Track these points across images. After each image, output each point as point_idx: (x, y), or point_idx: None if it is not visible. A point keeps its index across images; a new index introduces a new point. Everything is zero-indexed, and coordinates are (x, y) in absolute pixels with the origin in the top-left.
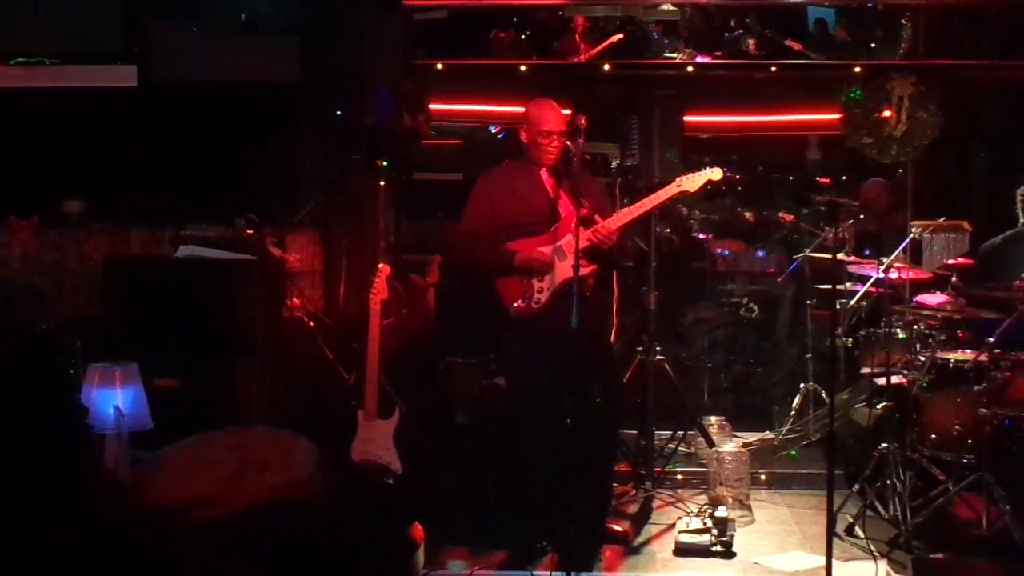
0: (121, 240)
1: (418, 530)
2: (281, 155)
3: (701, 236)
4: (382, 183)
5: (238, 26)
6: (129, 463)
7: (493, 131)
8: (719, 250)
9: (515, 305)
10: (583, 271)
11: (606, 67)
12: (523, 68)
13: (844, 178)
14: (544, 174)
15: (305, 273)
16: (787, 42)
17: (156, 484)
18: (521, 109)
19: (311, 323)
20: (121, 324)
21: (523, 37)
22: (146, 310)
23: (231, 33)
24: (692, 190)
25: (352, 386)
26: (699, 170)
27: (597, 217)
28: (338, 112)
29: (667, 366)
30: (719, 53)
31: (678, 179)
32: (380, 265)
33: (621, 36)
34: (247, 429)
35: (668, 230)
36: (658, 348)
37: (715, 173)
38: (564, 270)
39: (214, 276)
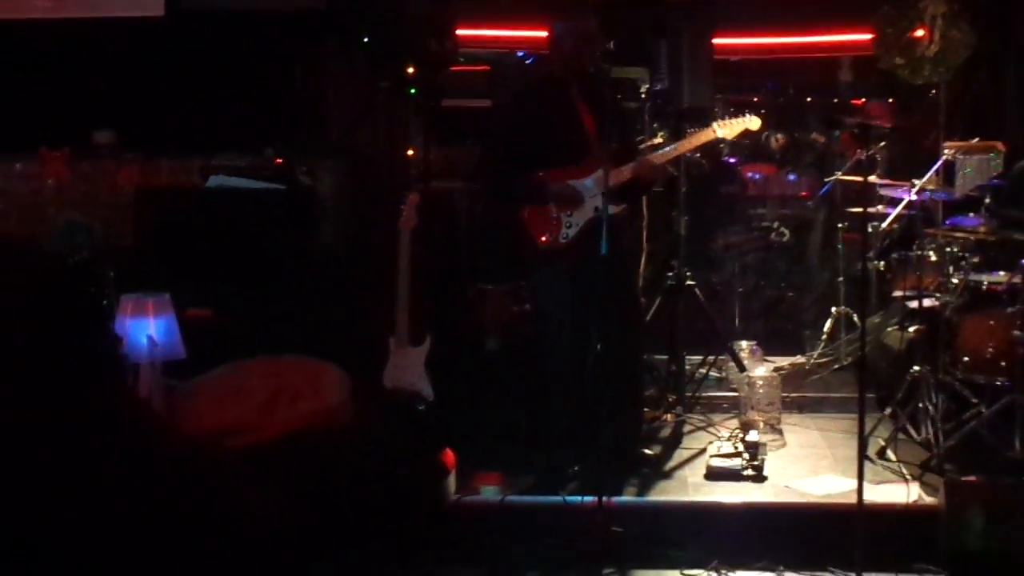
0: (152, 170)
1: (449, 456)
2: (309, 83)
3: (731, 160)
4: (410, 110)
5: None
6: (163, 392)
7: (521, 56)
8: (750, 174)
9: (542, 239)
10: (615, 209)
11: None
12: None
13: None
14: (578, 100)
15: (336, 200)
16: None
17: (189, 412)
18: (543, 34)
19: (343, 249)
20: (153, 255)
21: None
22: (177, 241)
23: None
24: (729, 137)
25: (384, 313)
26: (738, 116)
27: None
28: (365, 39)
29: (697, 291)
30: None
31: (715, 124)
32: (410, 193)
33: None
34: (279, 358)
35: (698, 154)
36: (688, 273)
37: (753, 122)
38: (600, 204)
39: (244, 206)
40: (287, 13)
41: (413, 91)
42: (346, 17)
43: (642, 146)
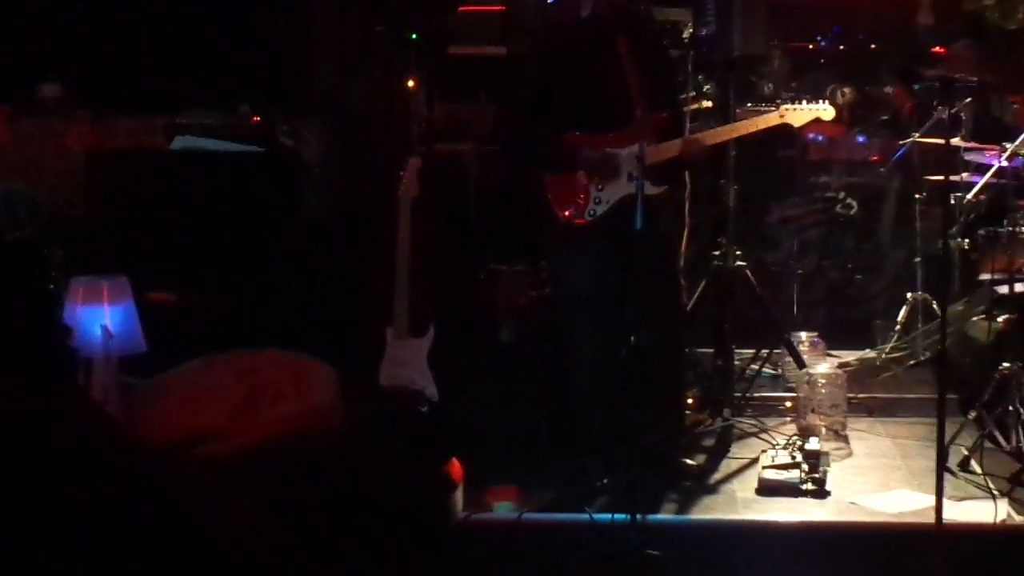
0: (106, 130)
1: (456, 467)
2: (292, 28)
3: None
4: (411, 60)
5: None
6: (120, 391)
7: None
8: (811, 135)
9: (565, 213)
10: (654, 190)
11: None
12: None
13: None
14: (625, 51)
15: (323, 164)
16: None
17: (151, 416)
18: None
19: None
20: (108, 229)
21: None
22: (137, 213)
23: None
24: (796, 124)
25: (380, 298)
26: (808, 101)
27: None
28: None
29: (749, 273)
30: None
31: (782, 108)
32: (411, 157)
33: None
34: (256, 352)
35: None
36: (738, 252)
37: (826, 112)
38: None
39: (216, 172)
40: None
41: (414, 36)
42: None
43: (687, 107)
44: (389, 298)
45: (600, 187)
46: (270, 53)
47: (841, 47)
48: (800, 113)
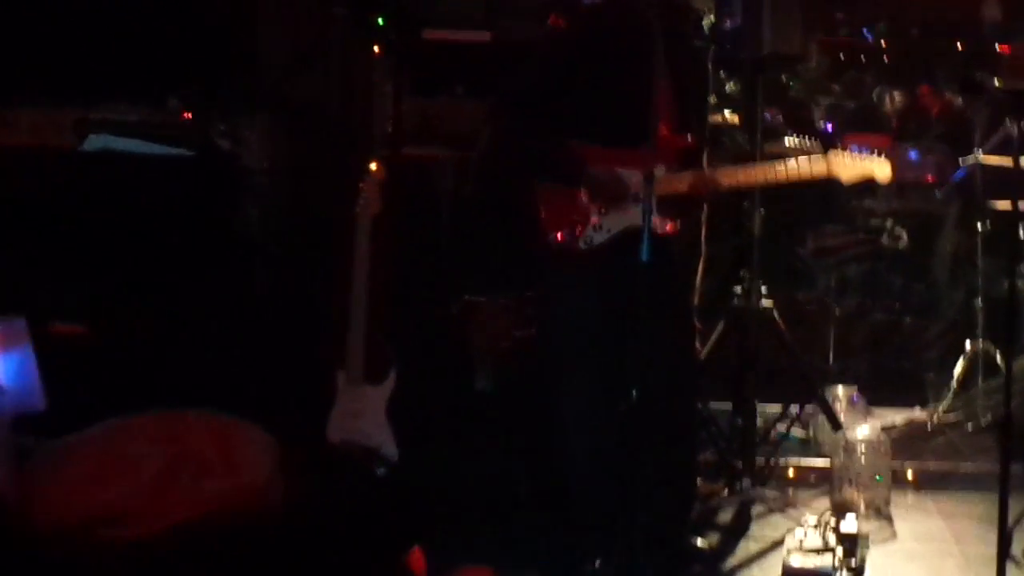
0: (4, 124)
1: (418, 559)
2: (234, 7)
3: (828, 128)
4: (376, 47)
5: None
6: (13, 459)
7: None
8: (853, 147)
9: (557, 235)
10: (661, 226)
11: None
12: None
13: None
14: (660, 54)
15: (267, 172)
16: None
17: (50, 490)
18: None
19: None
20: (2, 244)
21: None
22: (39, 225)
23: None
24: (844, 178)
25: (331, 336)
26: (860, 153)
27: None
28: None
29: (776, 314)
30: None
31: (831, 153)
32: (371, 165)
33: None
34: (178, 413)
35: (780, 117)
36: (764, 289)
37: (882, 168)
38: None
39: (136, 178)
40: None
41: (381, 20)
42: None
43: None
44: (342, 335)
45: (603, 212)
46: (206, 37)
47: (890, 43)
48: (851, 165)
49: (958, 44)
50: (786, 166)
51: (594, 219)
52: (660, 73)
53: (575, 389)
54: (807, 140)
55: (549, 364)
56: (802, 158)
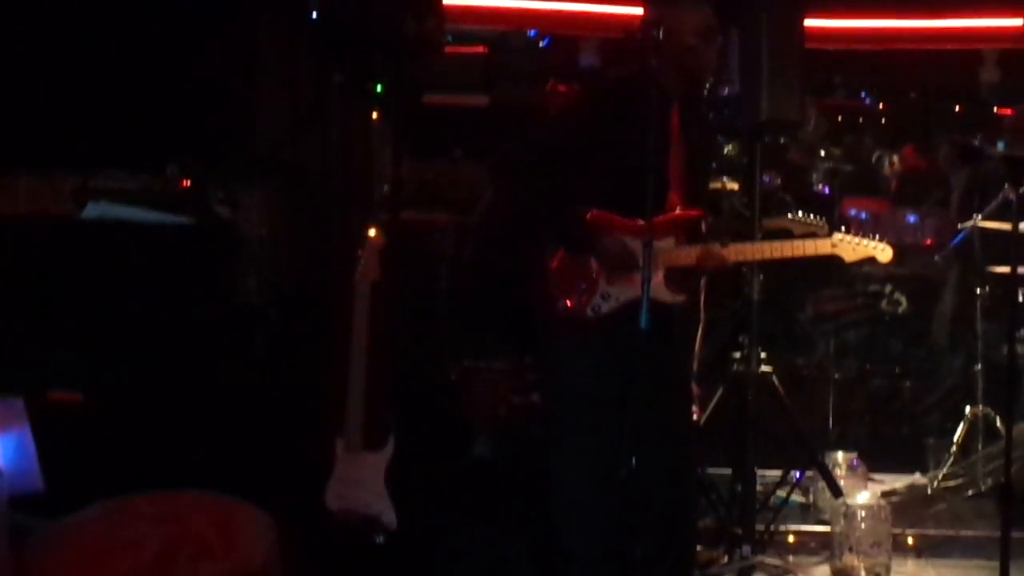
0: (4, 192)
1: None
2: (233, 74)
3: (826, 191)
4: (375, 113)
5: None
6: (9, 541)
7: (532, 36)
8: (852, 211)
9: (567, 303)
10: (671, 297)
11: None
12: None
13: None
14: (675, 113)
15: (265, 240)
16: None
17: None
18: (572, 6)
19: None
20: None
21: None
22: (38, 294)
23: None
24: (848, 259)
25: (330, 403)
26: (864, 237)
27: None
28: (313, 14)
29: (775, 380)
30: None
31: (835, 236)
32: (370, 232)
33: None
34: (176, 494)
35: (778, 181)
36: (763, 355)
37: (884, 253)
38: (651, 284)
39: (135, 246)
40: None
41: (379, 88)
42: None
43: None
44: (341, 403)
45: (611, 282)
46: (205, 104)
47: (888, 106)
48: (854, 248)
49: (956, 107)
50: (792, 245)
51: (602, 288)
52: (675, 145)
53: (578, 457)
54: (812, 217)
55: (553, 431)
56: (809, 241)
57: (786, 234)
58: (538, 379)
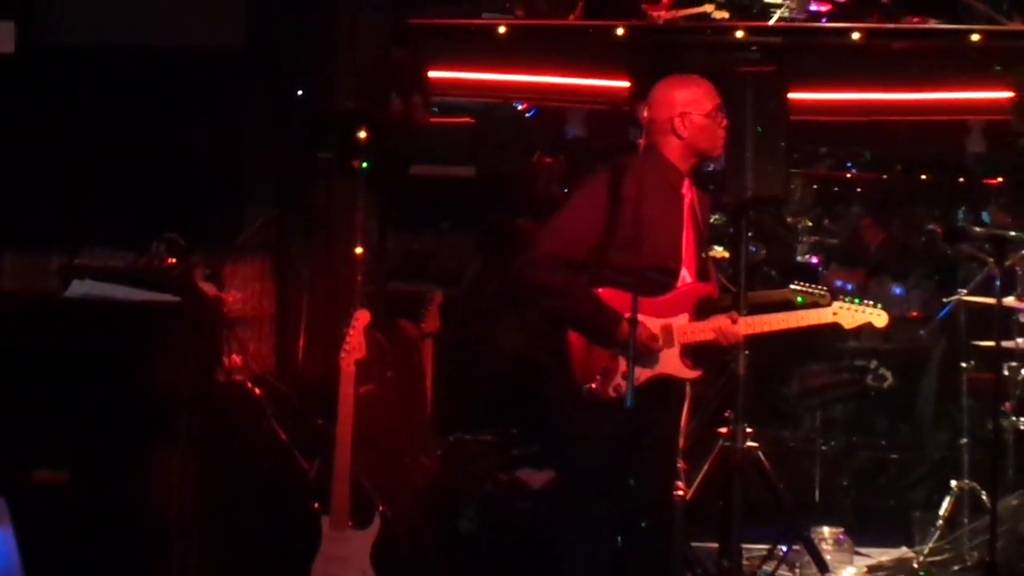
0: None
1: None
2: (219, 152)
3: (813, 261)
4: (361, 188)
5: None
6: None
7: (518, 108)
8: (837, 283)
9: (590, 386)
10: (688, 373)
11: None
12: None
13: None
14: (687, 192)
15: (250, 319)
16: None
17: None
18: (558, 79)
19: (258, 390)
20: None
21: None
22: (22, 373)
23: None
24: (847, 327)
25: (315, 481)
26: (862, 304)
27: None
28: (299, 92)
29: (761, 454)
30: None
31: (835, 304)
32: (356, 311)
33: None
34: None
35: (763, 253)
36: (749, 430)
37: (880, 318)
38: (668, 361)
39: (120, 323)
40: (191, 53)
41: (365, 165)
42: (273, 61)
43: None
44: (327, 480)
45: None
46: (191, 182)
47: (873, 177)
48: (853, 315)
49: (941, 178)
50: (796, 316)
51: (623, 367)
52: (688, 223)
53: (594, 529)
54: (812, 288)
55: (570, 504)
56: (811, 312)
57: (787, 305)
58: (554, 452)
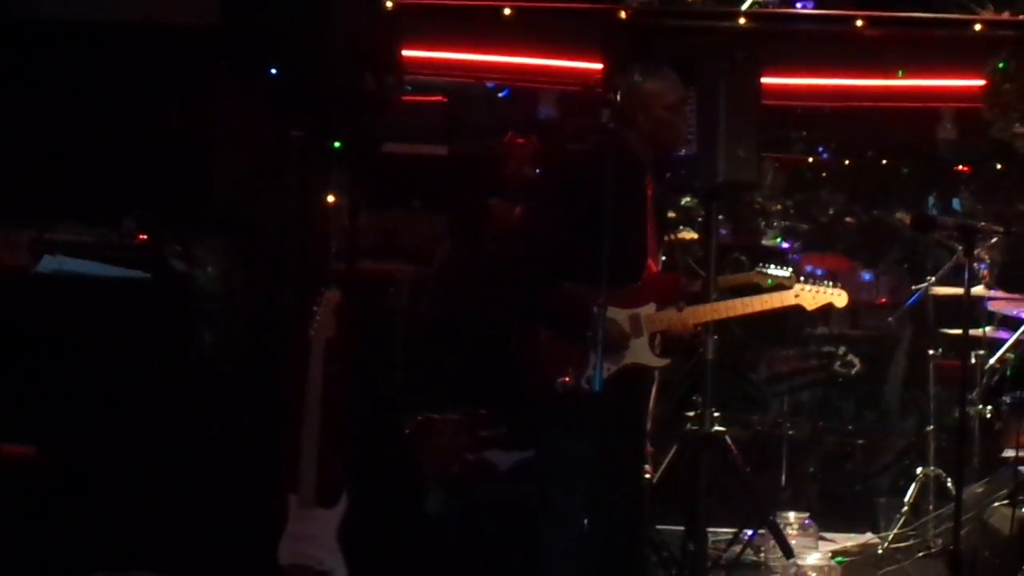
0: None
1: None
2: (190, 129)
3: (784, 246)
4: (333, 166)
5: None
6: None
7: (491, 88)
8: (808, 268)
9: (564, 379)
10: (656, 362)
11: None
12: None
13: (992, 166)
14: (649, 185)
15: (221, 294)
16: None
17: None
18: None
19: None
20: None
21: None
22: None
23: None
24: (809, 308)
25: (284, 458)
26: (822, 284)
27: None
28: (272, 71)
29: (728, 439)
30: None
31: (796, 287)
32: (326, 290)
33: None
34: None
35: (732, 236)
36: (716, 415)
37: (840, 298)
38: (637, 351)
39: (91, 299)
40: (161, 29)
41: (337, 145)
42: (245, 38)
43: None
44: (294, 458)
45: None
46: (162, 159)
47: (846, 162)
48: (814, 296)
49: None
50: (760, 300)
51: (594, 360)
52: (651, 216)
53: (572, 522)
54: (778, 269)
55: (549, 494)
56: (773, 295)
57: (755, 288)
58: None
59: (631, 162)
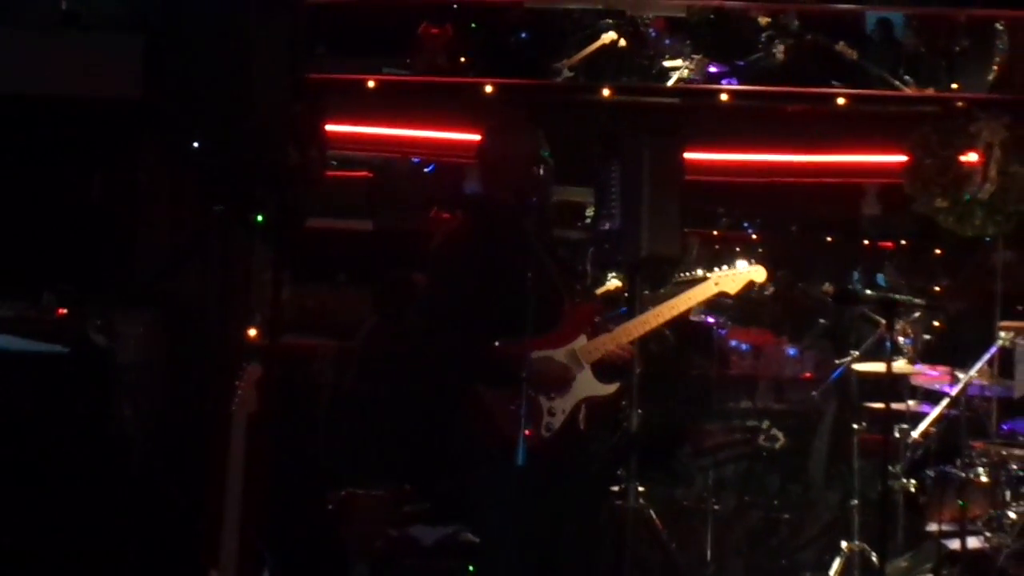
0: None
1: None
2: (112, 202)
3: (708, 320)
4: (256, 241)
5: (55, 18)
6: None
7: (416, 163)
8: (733, 342)
9: (526, 432)
10: (604, 390)
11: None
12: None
13: (917, 243)
14: (535, 241)
15: (142, 368)
16: (838, 47)
17: None
18: (456, 135)
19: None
20: None
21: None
22: None
23: (43, 28)
24: (732, 292)
25: (205, 535)
26: (734, 267)
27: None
28: (195, 144)
29: (652, 513)
30: (739, 64)
31: (714, 276)
32: (248, 365)
33: (613, 37)
34: None
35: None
36: (641, 489)
37: (758, 273)
38: (584, 384)
39: (8, 376)
40: (84, 102)
41: (260, 219)
42: (168, 112)
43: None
44: (215, 536)
45: (552, 397)
46: (84, 232)
47: (768, 238)
48: (733, 279)
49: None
50: (685, 298)
51: (545, 405)
52: (545, 258)
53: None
54: (691, 275)
55: (500, 555)
56: (694, 288)
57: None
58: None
59: (501, 216)
